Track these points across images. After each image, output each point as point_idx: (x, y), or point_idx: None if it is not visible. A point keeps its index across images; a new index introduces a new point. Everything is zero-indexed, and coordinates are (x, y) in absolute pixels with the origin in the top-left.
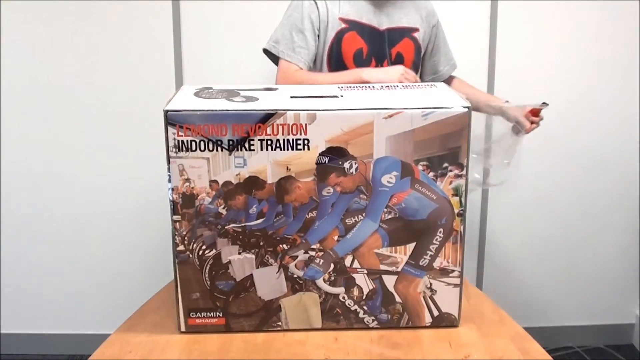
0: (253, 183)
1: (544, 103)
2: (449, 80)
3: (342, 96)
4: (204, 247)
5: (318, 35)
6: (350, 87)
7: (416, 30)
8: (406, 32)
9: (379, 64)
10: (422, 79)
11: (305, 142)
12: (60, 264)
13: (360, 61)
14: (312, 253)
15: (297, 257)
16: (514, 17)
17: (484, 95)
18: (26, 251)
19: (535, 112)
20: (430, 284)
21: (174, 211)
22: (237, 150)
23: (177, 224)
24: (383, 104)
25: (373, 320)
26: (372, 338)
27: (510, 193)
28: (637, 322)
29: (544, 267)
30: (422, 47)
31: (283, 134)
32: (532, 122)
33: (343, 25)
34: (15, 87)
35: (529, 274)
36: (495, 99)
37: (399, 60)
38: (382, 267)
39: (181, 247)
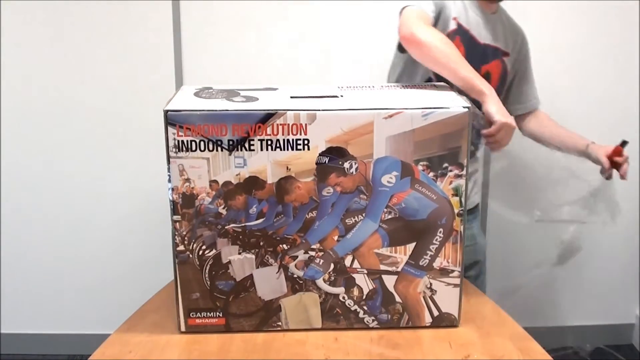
0: (253, 183)
1: (624, 141)
2: (536, 114)
3: (342, 96)
4: (204, 247)
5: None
6: (350, 87)
7: (507, 54)
8: (499, 53)
9: None
10: (506, 106)
11: (305, 142)
12: (60, 264)
13: None
14: (312, 253)
15: (297, 257)
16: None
17: (571, 136)
18: (26, 251)
19: (617, 151)
20: (430, 284)
21: (174, 211)
22: (237, 150)
23: (177, 224)
24: (383, 104)
25: (373, 320)
26: (372, 338)
27: (510, 193)
28: (637, 322)
29: (543, 267)
30: (508, 74)
31: (283, 134)
32: (616, 163)
33: (453, 27)
34: (15, 87)
35: (529, 274)
36: (580, 140)
37: (486, 79)
38: (382, 267)
39: (181, 247)
